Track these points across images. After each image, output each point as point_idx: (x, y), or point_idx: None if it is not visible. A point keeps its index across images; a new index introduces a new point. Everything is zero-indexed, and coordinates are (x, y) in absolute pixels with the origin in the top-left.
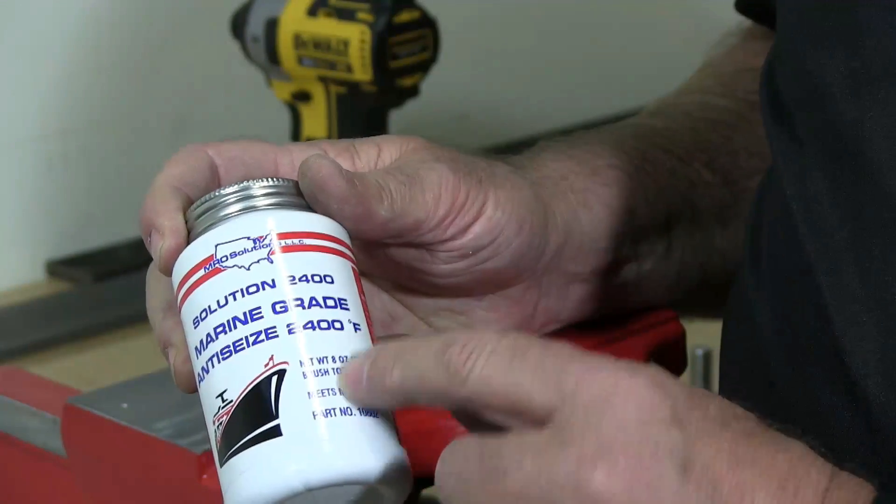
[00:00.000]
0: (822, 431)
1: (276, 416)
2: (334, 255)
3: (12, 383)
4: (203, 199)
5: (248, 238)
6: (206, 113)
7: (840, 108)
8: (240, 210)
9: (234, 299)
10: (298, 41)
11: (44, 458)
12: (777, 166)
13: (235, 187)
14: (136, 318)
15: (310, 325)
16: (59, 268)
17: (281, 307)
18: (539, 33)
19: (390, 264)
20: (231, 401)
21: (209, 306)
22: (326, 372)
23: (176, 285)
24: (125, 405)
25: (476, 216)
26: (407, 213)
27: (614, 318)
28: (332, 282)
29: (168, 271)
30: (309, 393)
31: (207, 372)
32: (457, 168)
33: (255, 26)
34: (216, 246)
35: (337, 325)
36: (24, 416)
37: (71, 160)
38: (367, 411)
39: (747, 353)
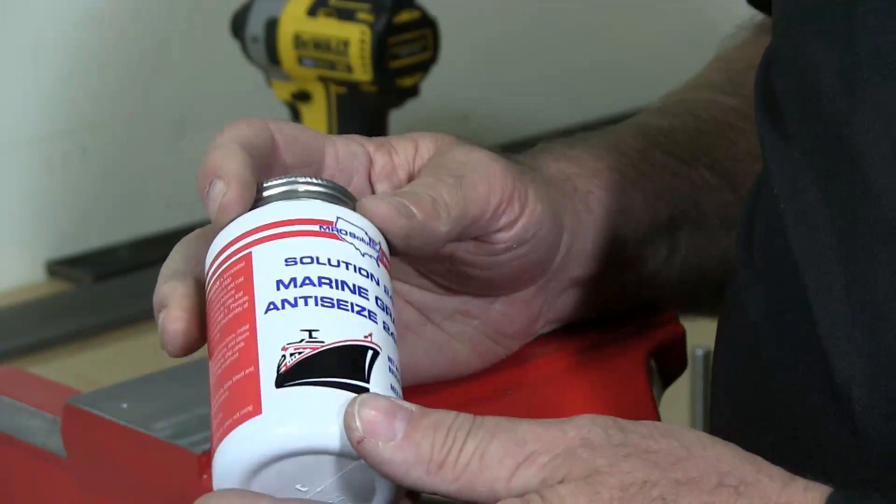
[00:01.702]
0: (809, 432)
1: (368, 381)
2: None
3: (12, 383)
4: (322, 179)
5: (366, 232)
6: (206, 113)
7: (832, 105)
8: (354, 207)
9: (347, 269)
10: (298, 41)
11: (44, 458)
12: (767, 164)
13: (347, 191)
14: (136, 318)
15: (393, 336)
16: (59, 268)
17: (381, 305)
18: (539, 34)
19: (433, 256)
20: (323, 341)
21: (318, 257)
22: (399, 379)
23: (267, 221)
24: (125, 405)
25: (522, 208)
26: (464, 216)
27: (614, 318)
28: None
29: (223, 220)
30: (391, 385)
31: (294, 305)
32: (497, 157)
33: (255, 26)
34: (338, 217)
35: (396, 340)
36: (24, 416)
37: (71, 160)
38: None
39: (740, 352)
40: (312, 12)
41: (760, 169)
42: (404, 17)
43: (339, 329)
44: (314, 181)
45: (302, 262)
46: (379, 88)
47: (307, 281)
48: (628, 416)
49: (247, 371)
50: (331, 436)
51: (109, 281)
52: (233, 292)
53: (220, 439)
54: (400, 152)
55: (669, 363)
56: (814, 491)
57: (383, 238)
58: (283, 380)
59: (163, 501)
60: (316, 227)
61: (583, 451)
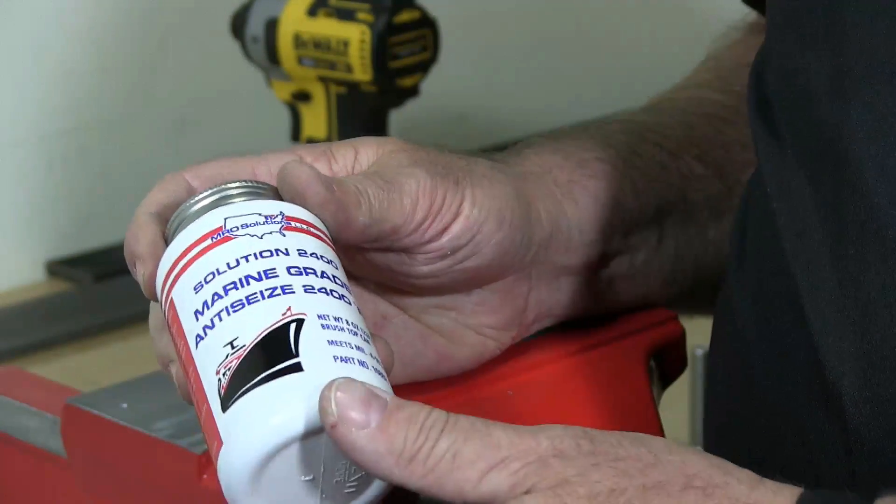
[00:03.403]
0: (800, 433)
1: (297, 355)
2: (332, 249)
3: (12, 383)
4: (208, 190)
5: (260, 214)
6: (206, 113)
7: (823, 108)
8: (247, 196)
9: (247, 261)
10: (298, 41)
11: (44, 458)
12: (761, 165)
13: (241, 181)
14: (136, 318)
15: (323, 291)
16: (59, 268)
17: (296, 271)
18: (539, 34)
19: (371, 268)
20: (244, 345)
21: (217, 269)
22: (342, 329)
23: (170, 263)
24: (125, 405)
25: (454, 217)
26: (385, 219)
27: (613, 317)
28: (337, 267)
29: (152, 295)
30: (329, 340)
31: (212, 327)
32: (434, 171)
33: (255, 26)
34: (226, 219)
35: (345, 300)
36: (24, 416)
37: (71, 160)
38: (379, 371)
39: (731, 355)
40: (312, 12)
41: (750, 157)
42: (404, 17)
43: (255, 323)
44: (200, 196)
45: (206, 282)
46: (379, 88)
47: (215, 297)
48: (628, 416)
49: (203, 410)
50: (284, 426)
51: (109, 281)
52: (175, 341)
53: (217, 478)
54: (339, 160)
55: (669, 363)
56: (784, 492)
57: (287, 205)
58: (225, 402)
59: (163, 501)
60: (208, 241)
61: (555, 461)
